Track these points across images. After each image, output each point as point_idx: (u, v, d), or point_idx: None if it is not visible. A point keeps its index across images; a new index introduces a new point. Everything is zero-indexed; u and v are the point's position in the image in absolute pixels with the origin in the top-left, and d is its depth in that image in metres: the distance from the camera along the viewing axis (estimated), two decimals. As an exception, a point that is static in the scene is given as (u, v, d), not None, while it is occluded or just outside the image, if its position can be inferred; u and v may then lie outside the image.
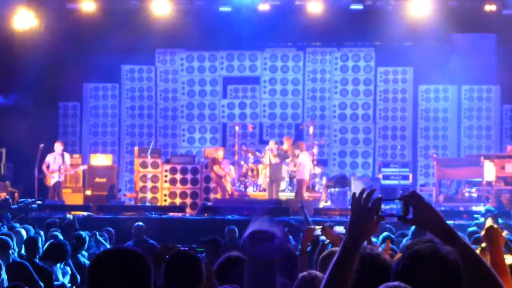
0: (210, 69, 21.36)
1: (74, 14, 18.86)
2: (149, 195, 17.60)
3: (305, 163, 17.08)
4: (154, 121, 21.53)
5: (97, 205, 16.26)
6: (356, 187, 17.59)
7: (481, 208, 15.45)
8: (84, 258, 9.58)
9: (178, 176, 17.74)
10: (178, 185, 17.73)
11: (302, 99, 21.27)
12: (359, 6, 18.90)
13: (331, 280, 2.68)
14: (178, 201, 17.57)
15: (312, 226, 5.60)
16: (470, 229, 9.90)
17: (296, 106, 21.26)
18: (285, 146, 17.79)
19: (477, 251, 3.08)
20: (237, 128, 19.33)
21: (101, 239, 10.84)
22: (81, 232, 10.00)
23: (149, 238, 11.97)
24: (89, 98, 21.48)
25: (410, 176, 18.78)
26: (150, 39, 19.55)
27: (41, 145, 17.36)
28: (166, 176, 17.75)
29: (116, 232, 12.12)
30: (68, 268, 8.73)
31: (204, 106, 21.37)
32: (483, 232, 3.89)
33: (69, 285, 8.68)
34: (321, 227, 5.50)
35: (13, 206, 15.06)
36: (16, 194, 17.38)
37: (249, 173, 18.21)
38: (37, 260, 8.22)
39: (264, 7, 18.88)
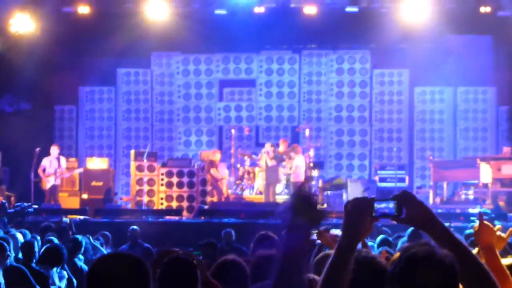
0: (206, 72, 21.33)
1: (70, 18, 18.81)
2: (145, 199, 17.59)
3: (301, 166, 17.11)
4: (150, 124, 21.51)
5: (94, 208, 16.23)
6: (352, 189, 17.60)
7: (477, 210, 15.44)
8: (80, 262, 9.57)
9: (175, 179, 17.73)
10: (175, 188, 17.71)
11: (298, 101, 21.25)
12: (354, 9, 18.91)
13: (326, 280, 2.69)
14: (174, 204, 17.56)
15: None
16: (467, 231, 9.88)
17: (292, 108, 21.24)
18: (281, 148, 17.78)
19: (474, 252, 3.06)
20: (233, 131, 19.34)
21: (97, 243, 10.81)
22: (78, 236, 9.99)
23: (145, 241, 11.96)
24: (85, 101, 21.45)
25: (407, 178, 18.78)
26: (145, 42, 19.57)
27: (37, 149, 17.32)
28: (162, 179, 17.73)
29: (112, 235, 12.11)
30: (64, 272, 8.71)
31: (200, 109, 21.35)
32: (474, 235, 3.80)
33: (65, 289, 8.67)
34: (316, 231, 5.50)
35: (9, 210, 15.02)
36: (12, 198, 17.35)
37: (246, 176, 18.20)
38: (33, 265, 8.21)
39: (259, 9, 18.90)
